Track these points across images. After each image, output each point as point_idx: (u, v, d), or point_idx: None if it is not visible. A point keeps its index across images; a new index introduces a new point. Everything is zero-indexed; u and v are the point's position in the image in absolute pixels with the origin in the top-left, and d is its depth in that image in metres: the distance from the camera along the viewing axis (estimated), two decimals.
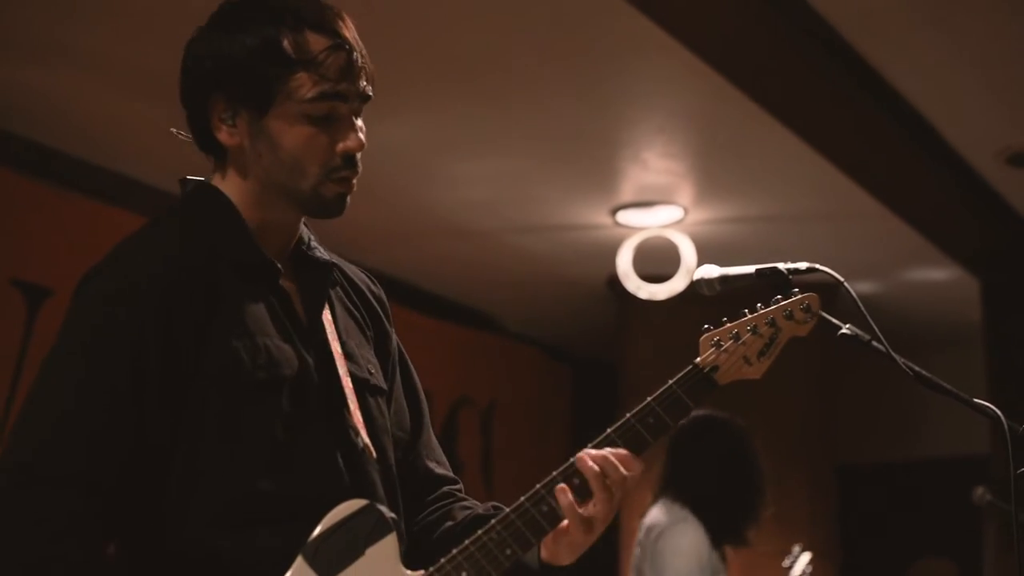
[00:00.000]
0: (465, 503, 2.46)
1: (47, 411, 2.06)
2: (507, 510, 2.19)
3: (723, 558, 4.97)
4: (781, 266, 2.60)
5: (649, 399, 2.25)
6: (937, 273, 8.08)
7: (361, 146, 2.21)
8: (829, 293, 2.63)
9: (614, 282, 7.60)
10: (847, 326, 2.54)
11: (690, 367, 2.30)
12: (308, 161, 2.18)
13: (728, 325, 2.34)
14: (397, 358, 2.47)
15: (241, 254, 2.20)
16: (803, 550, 5.53)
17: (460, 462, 8.34)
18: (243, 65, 2.15)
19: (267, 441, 2.12)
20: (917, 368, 2.52)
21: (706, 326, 2.35)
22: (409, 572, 2.14)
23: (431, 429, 2.52)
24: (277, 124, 2.17)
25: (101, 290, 2.13)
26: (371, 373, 2.33)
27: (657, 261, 7.19)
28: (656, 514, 4.98)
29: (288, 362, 2.17)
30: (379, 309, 2.46)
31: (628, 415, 2.25)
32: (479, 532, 2.16)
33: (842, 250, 7.48)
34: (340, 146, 2.19)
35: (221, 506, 2.08)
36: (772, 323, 2.32)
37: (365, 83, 2.21)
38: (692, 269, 6.79)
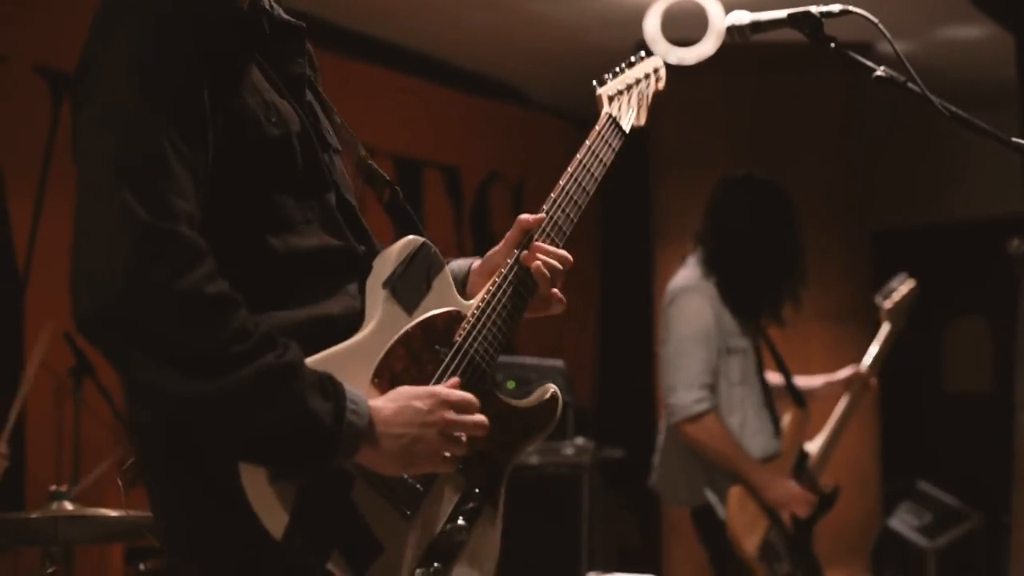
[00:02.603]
0: None
1: (137, 153, 1.96)
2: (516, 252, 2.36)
3: (749, 325, 4.96)
4: (813, 9, 2.59)
5: (586, 143, 2.52)
6: (970, 30, 7.93)
7: None
8: (861, 50, 2.58)
9: (642, 48, 7.48)
10: (881, 68, 2.50)
11: (607, 116, 2.55)
12: None
13: (613, 81, 2.61)
14: None
15: (227, 9, 2.12)
16: (908, 277, 5.41)
17: (493, 237, 8.33)
18: None
19: (284, 202, 2.13)
20: (953, 108, 2.48)
21: (594, 82, 2.59)
22: (465, 301, 2.29)
23: None
24: None
25: (135, 24, 2.03)
26: (329, 133, 2.34)
27: (685, 25, 7.07)
28: (678, 278, 4.99)
29: (292, 118, 2.16)
30: (312, 62, 2.41)
31: (570, 169, 2.50)
32: (512, 263, 2.33)
33: (873, 8, 7.32)
34: None
35: (255, 274, 2.08)
36: (639, 79, 2.67)
37: None
38: (721, 32, 6.67)
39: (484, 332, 2.26)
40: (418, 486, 2.15)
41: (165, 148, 1.96)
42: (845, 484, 5.23)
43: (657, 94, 2.70)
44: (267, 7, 2.24)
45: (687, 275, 4.94)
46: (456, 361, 2.22)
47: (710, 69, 7.14)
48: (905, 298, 5.32)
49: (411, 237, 2.25)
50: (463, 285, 2.41)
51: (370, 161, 2.36)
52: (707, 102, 7.84)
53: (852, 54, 2.52)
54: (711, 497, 4.82)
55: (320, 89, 2.38)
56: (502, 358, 6.21)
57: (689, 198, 7.69)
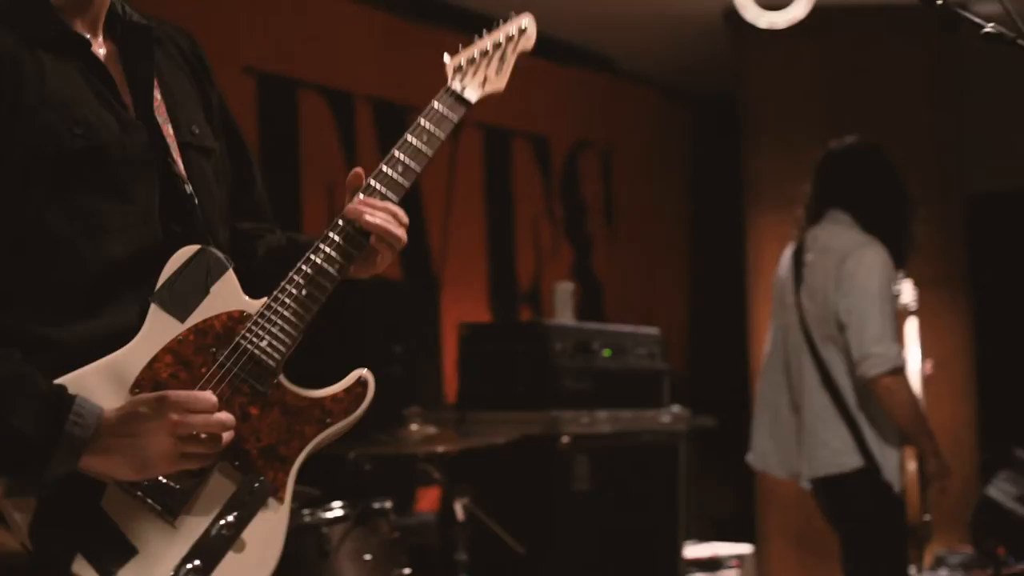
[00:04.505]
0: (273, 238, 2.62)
1: None
2: (327, 231, 2.36)
3: None
4: None
5: (420, 118, 2.47)
6: None
7: None
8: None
9: (731, 14, 7.41)
10: (991, 25, 2.45)
11: (445, 89, 2.53)
12: None
13: (464, 51, 2.58)
14: (221, 118, 2.55)
15: (42, 30, 2.24)
16: (905, 277, 5.45)
17: (584, 205, 8.32)
18: None
19: (96, 211, 2.21)
20: None
21: (445, 53, 2.58)
22: (253, 301, 2.32)
23: (258, 184, 2.64)
24: None
25: None
26: (193, 133, 2.40)
27: None
28: (830, 236, 4.96)
29: (107, 127, 2.23)
30: (199, 67, 2.52)
31: (407, 134, 2.45)
32: (308, 254, 2.34)
33: None
34: None
35: (63, 284, 2.19)
36: (499, 43, 2.61)
37: None
38: None
39: (271, 327, 2.28)
40: (176, 486, 2.19)
41: None
42: None
43: (523, 54, 2.63)
44: (120, 12, 2.38)
45: (848, 234, 4.93)
46: (232, 360, 2.25)
47: (802, 34, 7.06)
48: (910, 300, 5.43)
49: (185, 248, 2.28)
50: None
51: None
52: (799, 68, 7.75)
53: (961, 11, 2.46)
54: (879, 457, 4.78)
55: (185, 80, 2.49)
56: (600, 326, 6.19)
57: (782, 164, 7.62)
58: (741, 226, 7.97)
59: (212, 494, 2.22)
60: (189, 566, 2.16)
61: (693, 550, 6.21)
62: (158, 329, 2.23)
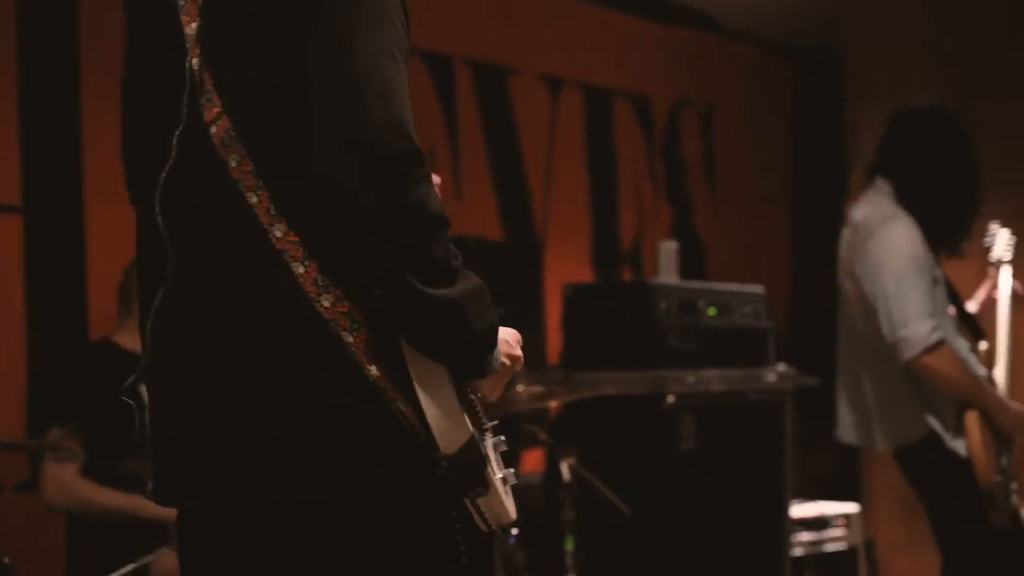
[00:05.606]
0: None
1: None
2: None
3: (938, 262, 4.81)
4: None
5: None
6: None
7: None
8: None
9: None
10: None
11: None
12: None
13: None
14: None
15: None
16: (1001, 226, 5.32)
17: (685, 165, 8.28)
18: None
19: None
20: None
21: None
22: None
23: None
24: None
25: None
26: None
27: None
28: (864, 210, 4.84)
29: None
30: None
31: None
32: None
33: None
34: None
35: None
36: None
37: None
38: None
39: None
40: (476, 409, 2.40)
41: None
42: None
43: None
44: None
45: (878, 208, 4.80)
46: None
47: None
48: (1006, 249, 5.31)
49: None
50: None
51: None
52: (907, 22, 7.62)
53: None
54: (936, 426, 4.70)
55: None
56: (705, 285, 6.18)
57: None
58: (845, 184, 7.88)
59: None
60: (507, 471, 2.38)
61: (798, 509, 6.19)
62: None
